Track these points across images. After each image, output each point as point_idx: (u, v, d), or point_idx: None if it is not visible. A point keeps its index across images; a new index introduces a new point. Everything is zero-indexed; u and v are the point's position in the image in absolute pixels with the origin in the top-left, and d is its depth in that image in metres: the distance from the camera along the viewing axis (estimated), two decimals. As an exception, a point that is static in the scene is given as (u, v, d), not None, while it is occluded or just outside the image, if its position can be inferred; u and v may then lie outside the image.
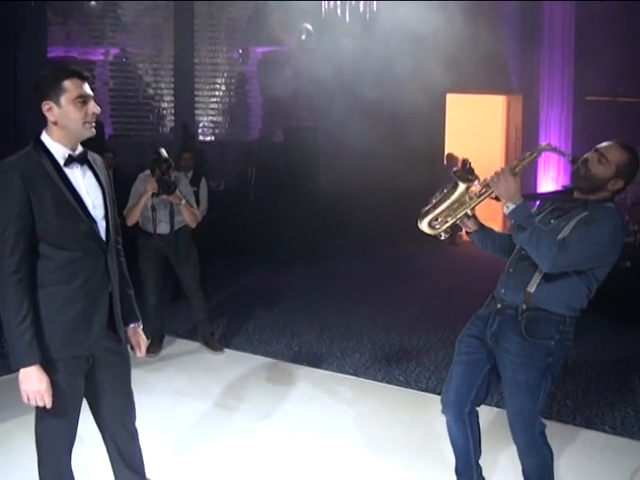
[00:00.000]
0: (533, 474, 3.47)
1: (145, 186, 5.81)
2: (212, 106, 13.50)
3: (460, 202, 3.35)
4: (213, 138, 13.45)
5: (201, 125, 13.40)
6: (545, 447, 3.42)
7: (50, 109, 2.79)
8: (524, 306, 3.29)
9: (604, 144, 3.27)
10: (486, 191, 3.28)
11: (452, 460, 4.26)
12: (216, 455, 4.38)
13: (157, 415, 4.85)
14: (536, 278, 3.28)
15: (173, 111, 13.13)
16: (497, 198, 3.24)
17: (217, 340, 6.60)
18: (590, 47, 11.85)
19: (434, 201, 3.39)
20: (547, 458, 3.44)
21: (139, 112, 12.82)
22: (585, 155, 3.28)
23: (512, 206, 3.15)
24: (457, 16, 10.42)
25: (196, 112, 13.24)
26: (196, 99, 13.25)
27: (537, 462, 3.43)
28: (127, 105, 12.51)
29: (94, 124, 2.86)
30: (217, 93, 13.54)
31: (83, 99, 2.81)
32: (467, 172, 3.32)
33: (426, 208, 3.40)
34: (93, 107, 2.84)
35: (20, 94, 10.47)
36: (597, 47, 11.76)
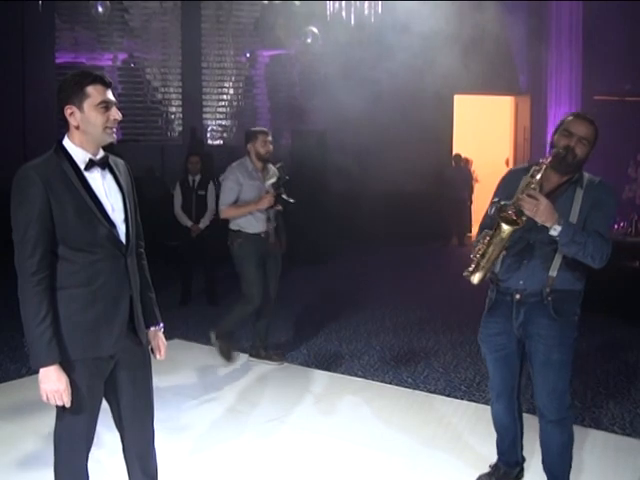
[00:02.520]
0: (557, 451, 3.63)
1: (263, 201, 5.92)
2: (220, 110, 13.55)
3: (503, 242, 3.35)
4: (221, 142, 13.50)
5: (209, 129, 13.44)
6: (571, 426, 3.64)
7: (72, 114, 2.82)
8: (548, 290, 3.43)
9: (574, 125, 3.42)
10: (522, 221, 3.24)
11: (461, 461, 4.29)
12: (226, 458, 4.39)
13: (168, 419, 4.87)
14: (556, 263, 3.43)
15: (181, 115, 13.19)
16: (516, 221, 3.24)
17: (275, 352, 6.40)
18: (598, 47, 11.84)
19: (479, 252, 3.37)
20: (572, 436, 3.64)
21: (147, 117, 12.89)
22: (562, 142, 3.39)
23: (559, 227, 3.21)
24: (464, 17, 10.43)
25: (204, 116, 13.30)
26: (204, 103, 13.31)
27: (564, 440, 3.61)
28: (135, 110, 12.57)
29: (115, 130, 2.90)
30: (225, 97, 13.59)
31: (105, 105, 2.84)
32: (517, 213, 3.24)
33: (475, 263, 3.38)
34: (115, 113, 2.87)
35: (28, 99, 10.54)
36: (605, 47, 11.75)
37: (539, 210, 3.17)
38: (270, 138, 6.07)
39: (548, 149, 3.51)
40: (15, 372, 5.93)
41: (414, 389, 5.65)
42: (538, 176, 3.26)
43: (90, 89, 2.81)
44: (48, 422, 4.14)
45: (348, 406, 5.26)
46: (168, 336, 7.04)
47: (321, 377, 5.91)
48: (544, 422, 3.62)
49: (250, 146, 6.00)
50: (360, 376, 5.96)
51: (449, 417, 5.02)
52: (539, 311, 3.47)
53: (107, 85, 2.87)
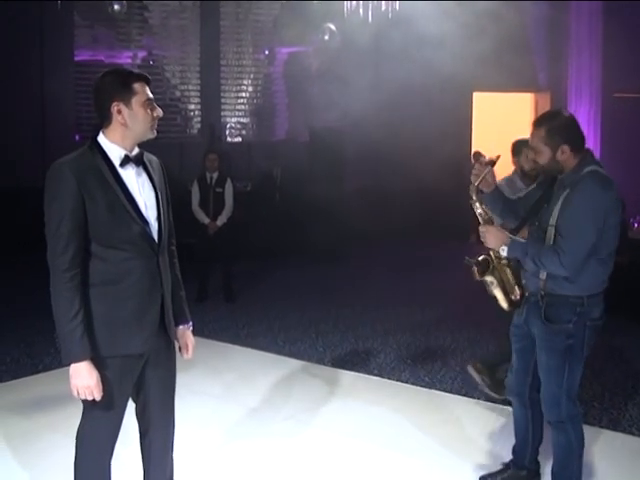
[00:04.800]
0: (557, 452, 3.62)
1: None
2: (239, 107, 13.55)
3: (506, 277, 3.57)
4: (240, 139, 13.50)
5: (228, 126, 13.45)
6: (572, 431, 3.56)
7: (120, 111, 2.82)
8: (542, 292, 3.47)
9: (529, 136, 3.49)
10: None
11: (477, 461, 4.27)
12: (242, 456, 4.39)
13: (182, 416, 4.86)
14: None
15: (200, 113, 13.20)
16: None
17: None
18: (618, 43, 11.69)
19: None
20: (572, 442, 3.56)
21: (166, 114, 12.63)
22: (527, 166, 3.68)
23: (506, 248, 3.40)
24: (483, 15, 10.35)
25: (222, 113, 13.30)
26: (222, 100, 13.31)
27: (561, 441, 3.58)
28: (154, 107, 12.60)
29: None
30: (243, 94, 13.59)
31: (150, 102, 2.88)
32: (482, 264, 3.52)
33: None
34: (159, 111, 2.93)
35: (47, 97, 10.59)
36: (625, 43, 11.61)
37: (488, 239, 3.42)
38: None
39: None
40: (32, 368, 5.97)
41: (431, 388, 5.63)
42: (477, 209, 3.48)
43: (137, 86, 2.84)
44: (64, 418, 4.18)
45: (364, 405, 5.24)
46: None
47: (337, 375, 5.90)
48: (549, 424, 3.63)
49: (516, 160, 5.10)
50: (376, 374, 5.95)
51: (465, 417, 4.99)
52: (535, 312, 3.52)
53: (149, 82, 2.91)
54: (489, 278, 3.52)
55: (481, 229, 3.45)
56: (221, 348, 6.57)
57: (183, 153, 11.81)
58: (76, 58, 11.70)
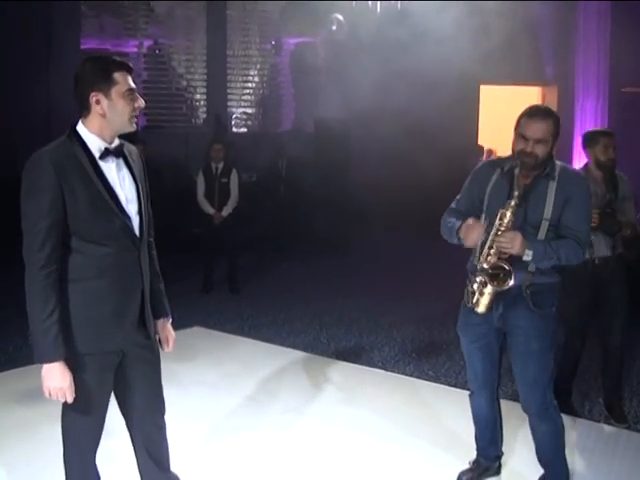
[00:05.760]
0: (546, 440, 3.65)
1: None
2: (244, 98, 13.53)
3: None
4: (245, 130, 13.48)
5: (234, 117, 13.42)
6: (557, 415, 3.63)
7: (98, 101, 2.72)
8: (527, 283, 3.47)
9: (528, 128, 3.40)
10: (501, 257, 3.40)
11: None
12: (242, 448, 4.38)
13: (184, 407, 4.87)
14: None
15: (206, 103, 13.17)
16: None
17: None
18: (626, 38, 11.63)
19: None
20: (559, 425, 3.63)
21: (172, 103, 12.88)
22: (519, 147, 3.41)
23: (531, 252, 3.35)
24: (490, 7, 10.30)
25: (228, 104, 13.27)
26: (229, 91, 13.28)
27: (550, 429, 3.61)
28: (160, 97, 12.56)
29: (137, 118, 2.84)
30: (249, 85, 13.56)
31: (131, 92, 2.77)
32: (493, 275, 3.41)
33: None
34: (140, 102, 2.81)
35: (54, 86, 10.56)
36: (633, 38, 11.54)
37: (513, 244, 3.31)
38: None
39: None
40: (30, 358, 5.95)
41: (435, 382, 5.61)
42: (505, 219, 3.35)
43: (117, 75, 2.73)
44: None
45: (368, 398, 5.23)
46: (188, 323, 7.11)
47: (341, 368, 5.89)
48: (529, 415, 3.65)
49: (590, 151, 4.81)
50: (380, 367, 5.93)
51: (470, 411, 4.96)
52: (518, 303, 3.50)
53: (130, 71, 2.79)
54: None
55: (509, 235, 3.33)
56: (225, 339, 6.56)
57: (188, 143, 11.78)
58: (82, 47, 11.69)
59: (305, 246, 10.51)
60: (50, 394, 2.75)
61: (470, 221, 3.45)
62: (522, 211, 3.41)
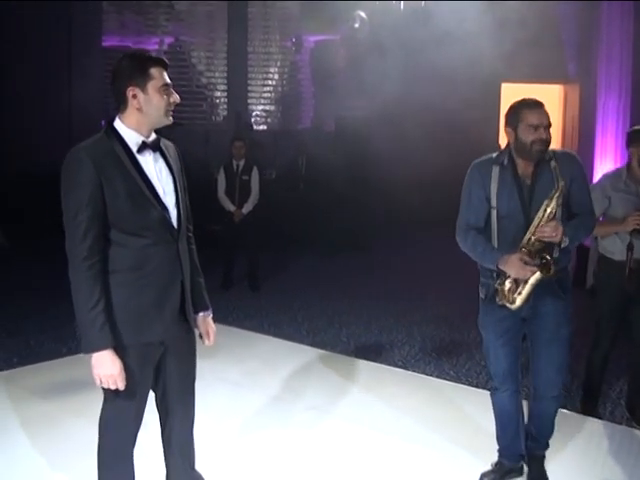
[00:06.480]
0: (552, 422, 3.82)
1: (628, 221, 4.45)
2: (265, 95, 13.54)
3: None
4: (265, 127, 13.48)
5: (254, 114, 13.43)
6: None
7: (135, 95, 2.79)
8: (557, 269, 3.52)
9: (536, 117, 3.47)
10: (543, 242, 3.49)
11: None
12: (266, 445, 4.37)
13: (205, 403, 4.86)
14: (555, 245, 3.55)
15: (226, 100, 13.20)
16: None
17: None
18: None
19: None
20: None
21: (192, 101, 12.92)
22: (533, 137, 3.45)
23: (567, 238, 3.46)
24: (512, 4, 10.24)
25: (249, 101, 13.29)
26: (249, 88, 13.30)
27: (556, 410, 3.82)
28: (180, 94, 12.45)
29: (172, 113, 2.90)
30: (270, 82, 13.57)
31: (167, 87, 2.84)
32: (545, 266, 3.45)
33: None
34: (176, 96, 2.89)
35: (75, 82, 10.62)
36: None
37: (557, 231, 3.41)
38: None
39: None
40: (56, 351, 5.99)
41: (456, 382, 5.58)
42: (549, 209, 3.43)
43: (153, 71, 2.80)
44: (87, 402, 4.17)
45: (387, 396, 5.20)
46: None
47: (361, 366, 5.86)
48: (544, 399, 3.74)
49: (633, 150, 4.58)
50: (400, 366, 5.91)
51: (491, 412, 4.93)
52: (547, 292, 3.56)
53: (166, 67, 2.86)
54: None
55: (552, 224, 3.42)
56: (245, 336, 6.56)
57: (209, 140, 11.81)
58: (104, 44, 11.74)
59: (324, 244, 10.49)
60: (101, 382, 2.77)
61: (513, 259, 3.47)
62: (537, 198, 3.51)
